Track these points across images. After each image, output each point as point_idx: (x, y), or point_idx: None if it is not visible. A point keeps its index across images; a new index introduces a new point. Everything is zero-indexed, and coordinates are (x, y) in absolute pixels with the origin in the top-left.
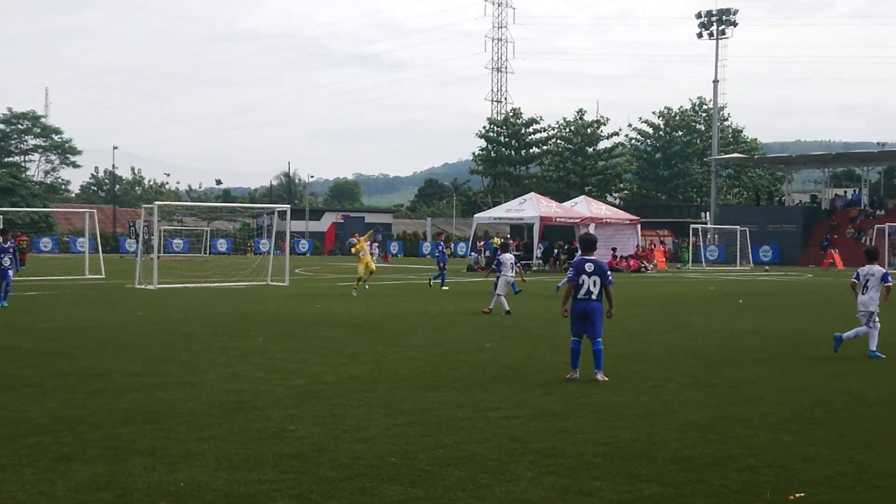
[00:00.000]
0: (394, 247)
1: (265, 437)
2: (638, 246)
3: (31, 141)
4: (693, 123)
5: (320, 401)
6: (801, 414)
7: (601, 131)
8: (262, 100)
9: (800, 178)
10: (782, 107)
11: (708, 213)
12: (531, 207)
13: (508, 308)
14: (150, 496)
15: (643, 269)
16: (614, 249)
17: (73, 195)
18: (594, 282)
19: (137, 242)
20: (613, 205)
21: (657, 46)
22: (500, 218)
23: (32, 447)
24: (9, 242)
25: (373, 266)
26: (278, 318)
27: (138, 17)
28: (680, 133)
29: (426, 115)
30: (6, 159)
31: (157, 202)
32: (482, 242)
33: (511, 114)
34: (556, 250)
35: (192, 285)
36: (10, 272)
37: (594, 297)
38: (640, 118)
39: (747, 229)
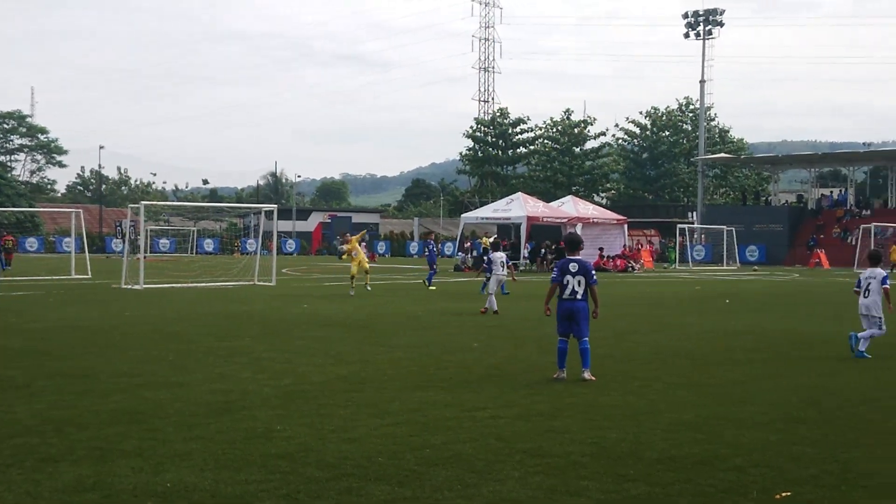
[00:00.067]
0: (381, 247)
1: (252, 438)
2: (625, 246)
3: (17, 140)
4: (680, 123)
5: (307, 401)
6: (787, 413)
7: (588, 131)
8: (249, 99)
9: (786, 178)
10: (769, 107)
11: (695, 213)
12: (518, 207)
13: (497, 308)
14: (137, 497)
15: (630, 268)
16: (601, 249)
17: (59, 195)
18: (578, 281)
19: (124, 242)
20: (600, 205)
21: (644, 46)
22: (487, 218)
23: (19, 448)
24: None
25: (367, 265)
26: (265, 318)
27: (124, 16)
28: (667, 133)
29: (413, 115)
30: None
31: (143, 202)
32: (469, 242)
33: (498, 114)
34: (543, 250)
35: (179, 285)
36: None
37: (579, 296)
38: (627, 118)
39: (734, 229)
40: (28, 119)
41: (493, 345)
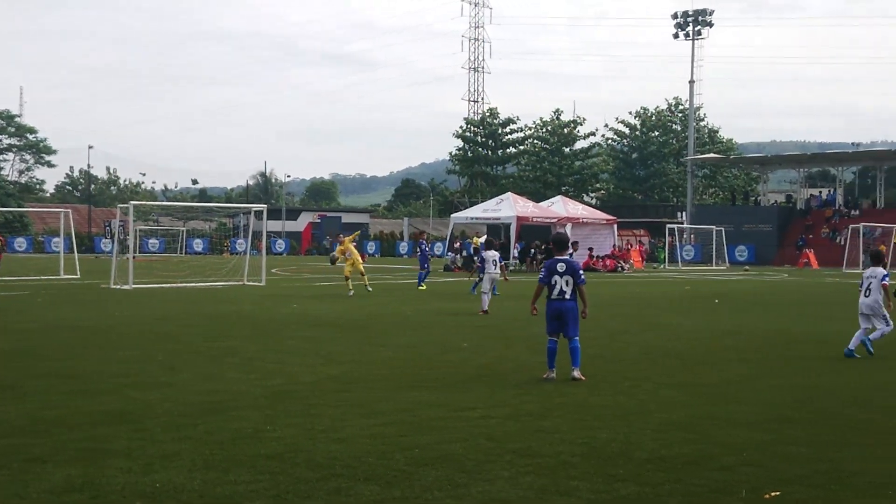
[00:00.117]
0: (371, 247)
1: (241, 438)
2: (614, 246)
3: (6, 140)
4: (669, 124)
5: (297, 401)
6: (777, 413)
7: (578, 131)
8: (239, 99)
9: (775, 178)
10: (758, 107)
11: (684, 213)
12: (508, 207)
13: (486, 308)
14: (126, 497)
15: (620, 269)
16: (591, 249)
17: (48, 195)
18: (566, 281)
19: (113, 242)
20: (590, 205)
21: (633, 47)
22: (477, 218)
23: (7, 448)
24: None
25: (361, 266)
26: (255, 318)
27: (110, 15)
28: (656, 133)
29: (403, 115)
30: None
31: (132, 202)
32: (459, 242)
33: (488, 114)
34: (532, 250)
35: (169, 285)
36: None
37: (567, 296)
38: (617, 118)
39: (723, 229)
40: (17, 119)
41: (483, 345)
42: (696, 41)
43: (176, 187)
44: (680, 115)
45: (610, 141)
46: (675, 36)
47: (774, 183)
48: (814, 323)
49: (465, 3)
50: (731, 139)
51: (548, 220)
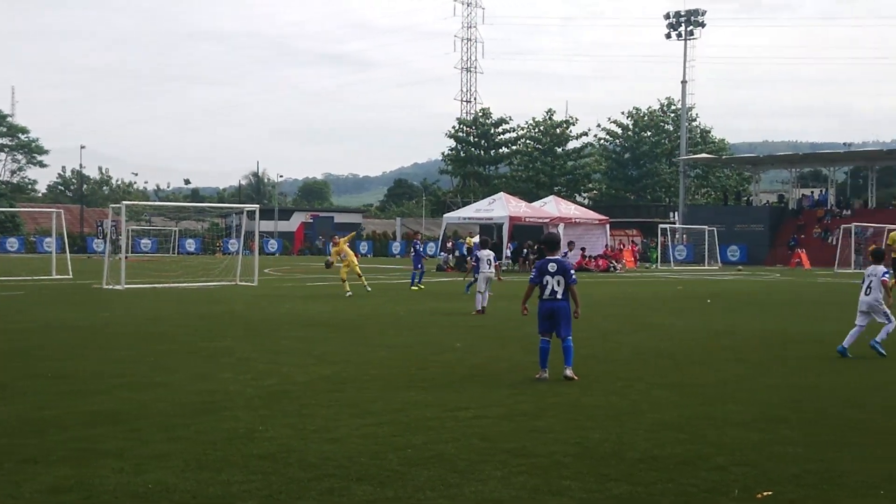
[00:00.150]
0: (363, 247)
1: (234, 438)
2: (607, 246)
3: None
4: (661, 124)
5: (290, 401)
6: (769, 413)
7: (570, 131)
8: (232, 99)
9: (767, 178)
10: (750, 107)
11: (676, 213)
12: (500, 207)
13: (479, 307)
14: (118, 498)
15: (612, 268)
16: (583, 249)
17: (40, 195)
18: (558, 281)
19: (105, 242)
20: (582, 205)
21: (626, 47)
22: (469, 218)
23: None
24: None
25: (357, 268)
26: (247, 318)
27: (103, 15)
28: (648, 133)
29: (395, 115)
30: None
31: (124, 202)
32: (451, 242)
33: (480, 114)
34: (525, 250)
35: (161, 285)
36: None
37: (559, 296)
38: (609, 118)
39: (715, 229)
40: (9, 118)
41: (476, 345)
42: (688, 41)
43: (168, 187)
44: (672, 115)
45: (602, 141)
46: (668, 36)
47: (766, 183)
48: (807, 323)
49: (458, 3)
50: (724, 139)
51: (540, 221)
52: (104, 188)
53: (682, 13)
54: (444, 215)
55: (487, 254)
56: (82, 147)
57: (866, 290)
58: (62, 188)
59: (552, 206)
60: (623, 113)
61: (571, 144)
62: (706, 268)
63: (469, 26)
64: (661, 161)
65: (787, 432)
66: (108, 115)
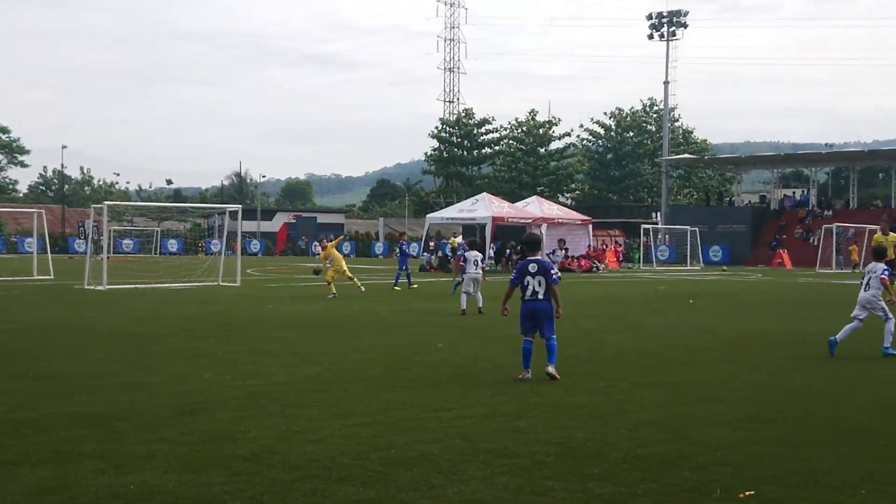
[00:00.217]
0: (346, 247)
1: (216, 439)
2: (590, 246)
3: None
4: (644, 124)
5: (272, 402)
6: (751, 413)
7: (553, 132)
8: (214, 99)
9: (749, 178)
10: (732, 108)
11: (659, 214)
12: (483, 208)
13: (465, 308)
14: (100, 499)
15: (595, 269)
16: (566, 250)
17: (21, 195)
18: (539, 281)
19: (87, 243)
20: (565, 205)
21: (608, 48)
22: (452, 218)
23: None
24: None
25: (348, 272)
26: (230, 318)
27: (84, 14)
28: (631, 134)
29: (378, 115)
30: None
31: (106, 202)
32: (434, 242)
33: (463, 114)
34: (508, 250)
35: (143, 286)
36: None
37: (541, 296)
38: (592, 119)
39: (697, 229)
40: None
41: (459, 345)
42: (670, 42)
43: (150, 187)
44: (654, 115)
45: (585, 141)
46: (650, 37)
47: (748, 183)
48: (789, 323)
49: (441, 3)
50: (706, 140)
51: (523, 221)
52: (86, 188)
53: (665, 14)
54: (427, 216)
55: (475, 255)
56: (64, 147)
57: (865, 287)
58: (44, 188)
59: (535, 207)
60: (606, 113)
61: (554, 145)
62: (688, 268)
63: (452, 26)
64: (643, 161)
65: (770, 432)
66: (89, 114)
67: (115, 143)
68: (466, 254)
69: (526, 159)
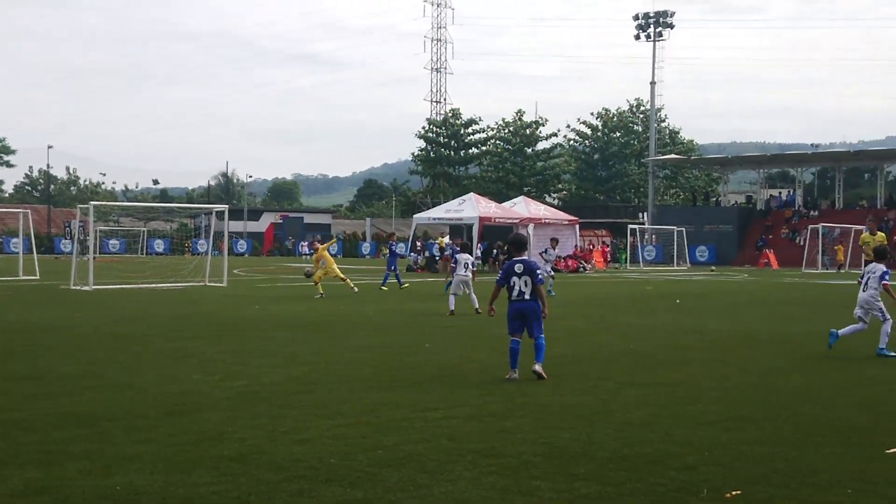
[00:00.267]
0: (333, 247)
1: (203, 440)
2: (576, 246)
3: None
4: (630, 124)
5: (259, 402)
6: (738, 412)
7: (540, 132)
8: (200, 99)
9: (735, 178)
10: (718, 108)
11: (645, 214)
12: (470, 208)
13: (453, 309)
14: (87, 500)
15: (581, 269)
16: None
17: (7, 195)
18: (525, 282)
19: (73, 243)
20: (552, 205)
21: (595, 48)
22: (439, 218)
23: None
24: None
25: (340, 273)
26: (217, 318)
27: (71, 13)
28: (618, 134)
29: (365, 116)
30: None
31: (92, 202)
32: (421, 243)
33: (450, 114)
34: (495, 251)
35: (129, 286)
36: None
37: (527, 296)
38: (579, 119)
39: (684, 230)
40: None
41: (446, 345)
42: (657, 43)
43: (137, 187)
44: (641, 116)
45: (572, 142)
46: (637, 37)
47: (735, 184)
48: (775, 323)
49: (428, 3)
50: (692, 140)
51: (510, 221)
52: (72, 188)
53: (651, 15)
54: (415, 216)
55: (466, 258)
56: (50, 147)
57: (864, 287)
58: (29, 188)
59: (522, 207)
60: (592, 114)
61: (541, 145)
62: (675, 268)
63: (439, 27)
64: (630, 162)
65: (756, 431)
66: (75, 114)
67: (102, 143)
68: (457, 255)
69: (513, 159)
